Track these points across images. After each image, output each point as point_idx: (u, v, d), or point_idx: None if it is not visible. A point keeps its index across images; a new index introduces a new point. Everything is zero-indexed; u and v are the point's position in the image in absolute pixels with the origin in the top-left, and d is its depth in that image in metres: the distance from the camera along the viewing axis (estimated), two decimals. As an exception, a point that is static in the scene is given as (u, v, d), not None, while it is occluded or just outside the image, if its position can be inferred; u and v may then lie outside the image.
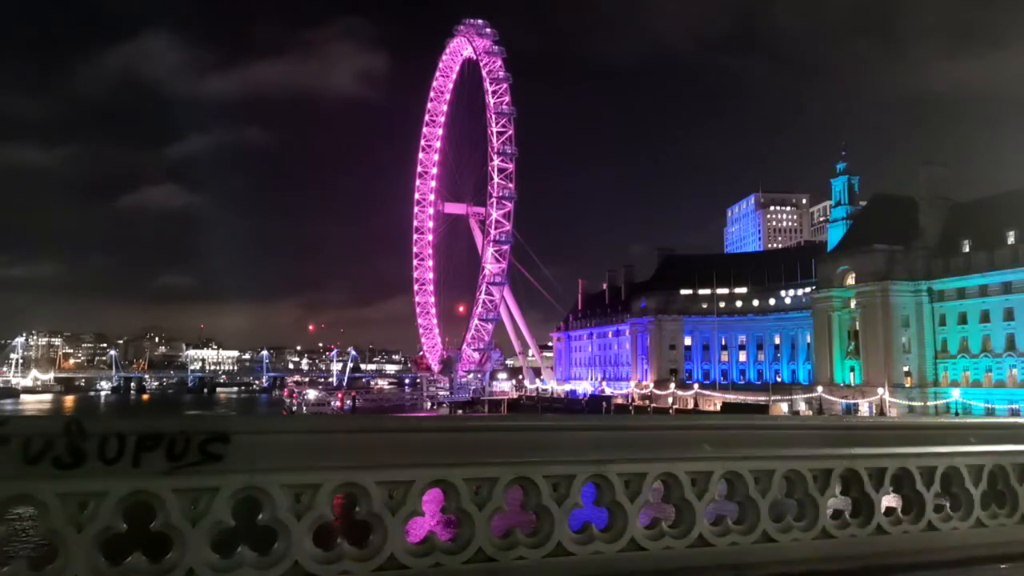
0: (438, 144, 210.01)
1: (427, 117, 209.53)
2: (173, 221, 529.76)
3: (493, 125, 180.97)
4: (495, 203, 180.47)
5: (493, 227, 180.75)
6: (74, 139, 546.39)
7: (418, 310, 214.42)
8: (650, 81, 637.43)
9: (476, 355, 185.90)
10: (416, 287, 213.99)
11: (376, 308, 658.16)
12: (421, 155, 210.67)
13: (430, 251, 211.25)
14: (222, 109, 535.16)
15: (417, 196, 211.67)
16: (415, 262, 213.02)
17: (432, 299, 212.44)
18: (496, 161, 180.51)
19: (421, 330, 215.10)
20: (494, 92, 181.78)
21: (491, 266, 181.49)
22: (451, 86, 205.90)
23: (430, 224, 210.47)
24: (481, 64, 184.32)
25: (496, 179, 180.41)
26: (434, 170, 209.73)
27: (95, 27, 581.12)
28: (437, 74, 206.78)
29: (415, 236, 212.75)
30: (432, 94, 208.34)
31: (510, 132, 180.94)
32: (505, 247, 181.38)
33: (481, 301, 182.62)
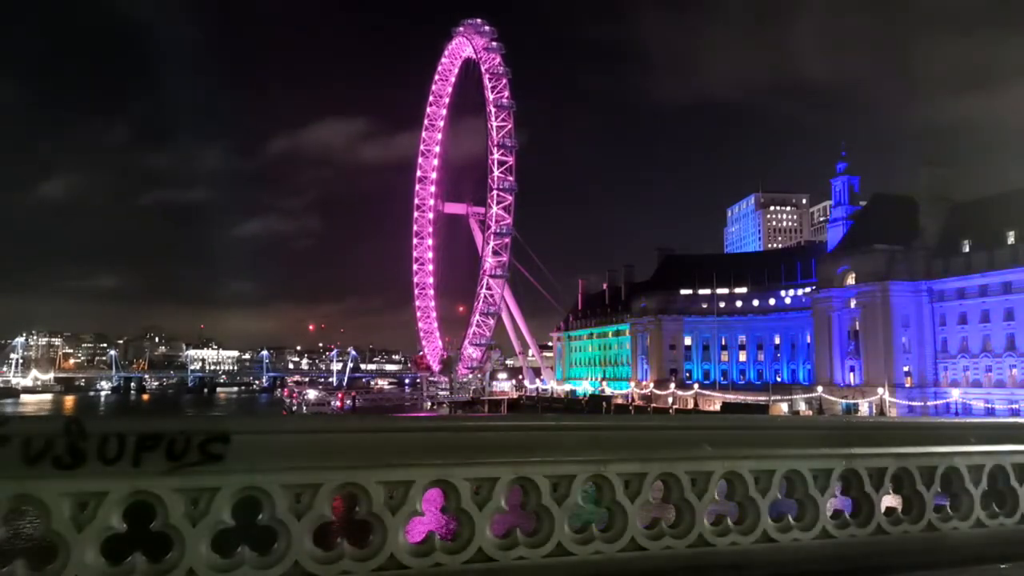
0: (437, 149, 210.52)
1: (426, 122, 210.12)
2: (257, 243, 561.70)
3: (493, 119, 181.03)
4: (495, 196, 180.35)
5: (493, 220, 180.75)
6: (230, 186, 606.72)
7: (418, 302, 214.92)
8: (660, 98, 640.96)
9: (478, 351, 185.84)
10: (416, 292, 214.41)
11: (376, 308, 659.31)
12: (420, 160, 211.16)
13: (430, 255, 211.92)
14: (362, 167, 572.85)
15: (417, 201, 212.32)
16: (415, 267, 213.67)
17: (431, 292, 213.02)
18: (496, 154, 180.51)
19: (420, 322, 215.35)
20: (493, 87, 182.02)
21: (491, 259, 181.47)
22: (450, 89, 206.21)
23: (430, 229, 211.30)
24: (480, 60, 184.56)
25: (496, 172, 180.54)
26: (433, 175, 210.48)
27: (309, 109, 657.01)
28: (436, 78, 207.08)
29: (415, 240, 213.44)
30: (431, 98, 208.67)
31: (510, 126, 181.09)
32: (506, 239, 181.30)
33: (482, 296, 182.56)
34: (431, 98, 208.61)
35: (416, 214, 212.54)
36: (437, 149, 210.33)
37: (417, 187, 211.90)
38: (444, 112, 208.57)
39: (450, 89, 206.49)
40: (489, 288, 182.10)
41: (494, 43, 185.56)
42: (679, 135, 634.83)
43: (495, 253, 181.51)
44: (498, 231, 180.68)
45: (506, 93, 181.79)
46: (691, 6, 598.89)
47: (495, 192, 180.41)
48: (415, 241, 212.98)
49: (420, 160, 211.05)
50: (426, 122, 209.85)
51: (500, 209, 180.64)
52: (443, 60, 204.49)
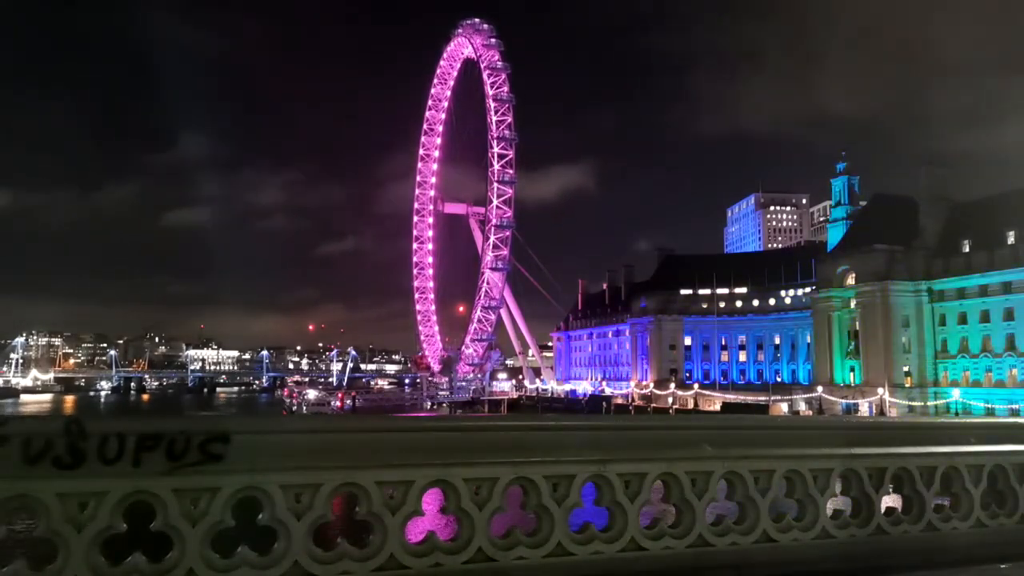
0: (436, 154, 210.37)
1: (425, 126, 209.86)
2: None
3: (492, 113, 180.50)
4: (495, 189, 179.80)
5: (493, 213, 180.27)
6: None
7: (418, 306, 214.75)
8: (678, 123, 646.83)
9: (479, 347, 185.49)
10: (416, 296, 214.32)
11: (376, 308, 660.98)
12: (420, 165, 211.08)
13: (429, 260, 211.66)
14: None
15: (416, 206, 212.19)
16: (415, 271, 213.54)
17: (431, 296, 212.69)
18: (496, 147, 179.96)
19: (421, 332, 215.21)
20: (492, 83, 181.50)
21: (491, 253, 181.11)
22: (448, 93, 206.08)
23: (429, 234, 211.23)
24: (479, 57, 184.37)
25: (496, 165, 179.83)
26: (432, 179, 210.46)
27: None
28: (435, 81, 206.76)
29: (415, 245, 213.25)
30: (430, 102, 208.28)
31: (509, 119, 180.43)
32: (506, 232, 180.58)
33: (483, 290, 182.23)
34: (430, 102, 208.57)
35: (416, 219, 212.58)
36: (436, 154, 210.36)
37: (417, 191, 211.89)
38: (443, 116, 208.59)
39: (449, 92, 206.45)
40: (489, 283, 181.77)
41: (493, 39, 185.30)
42: (689, 151, 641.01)
43: (495, 247, 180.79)
44: (498, 223, 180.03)
45: (505, 88, 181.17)
46: (731, 53, 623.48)
47: (495, 185, 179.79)
48: (415, 246, 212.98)
49: (419, 165, 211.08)
50: (425, 126, 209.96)
51: (500, 202, 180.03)
52: (442, 63, 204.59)
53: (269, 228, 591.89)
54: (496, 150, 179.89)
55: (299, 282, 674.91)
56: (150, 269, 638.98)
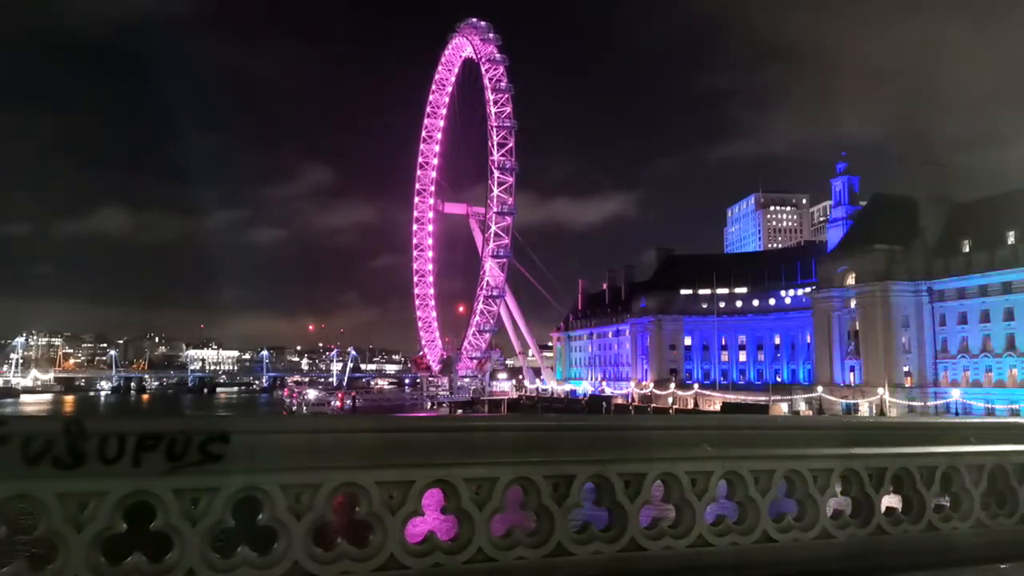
0: (439, 135, 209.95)
1: (428, 109, 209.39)
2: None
3: (494, 136, 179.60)
4: (495, 177, 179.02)
5: (492, 240, 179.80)
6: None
7: (417, 302, 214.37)
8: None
9: (483, 339, 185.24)
10: (416, 279, 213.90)
11: (376, 308, 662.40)
12: (422, 146, 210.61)
13: (430, 242, 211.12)
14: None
15: (418, 187, 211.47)
16: (415, 253, 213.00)
17: (431, 291, 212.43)
18: (495, 136, 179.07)
19: (420, 323, 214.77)
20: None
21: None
22: (453, 79, 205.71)
23: (430, 215, 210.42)
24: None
25: (496, 192, 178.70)
26: (435, 160, 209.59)
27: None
28: (439, 67, 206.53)
29: (415, 227, 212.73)
30: (434, 86, 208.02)
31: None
32: (507, 220, 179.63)
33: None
34: (433, 86, 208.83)
35: (416, 199, 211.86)
36: (435, 161, 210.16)
37: (418, 172, 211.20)
38: (446, 100, 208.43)
39: (447, 99, 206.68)
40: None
41: (491, 35, 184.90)
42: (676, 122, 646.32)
43: (496, 236, 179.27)
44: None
45: (504, 79, 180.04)
46: (756, 89, 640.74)
47: (495, 173, 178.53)
48: (415, 227, 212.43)
49: (421, 146, 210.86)
50: (428, 109, 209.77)
51: (501, 191, 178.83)
52: (446, 52, 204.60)
53: (337, 242, 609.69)
54: (496, 139, 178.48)
55: (342, 287, 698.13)
56: (209, 280, 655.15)
